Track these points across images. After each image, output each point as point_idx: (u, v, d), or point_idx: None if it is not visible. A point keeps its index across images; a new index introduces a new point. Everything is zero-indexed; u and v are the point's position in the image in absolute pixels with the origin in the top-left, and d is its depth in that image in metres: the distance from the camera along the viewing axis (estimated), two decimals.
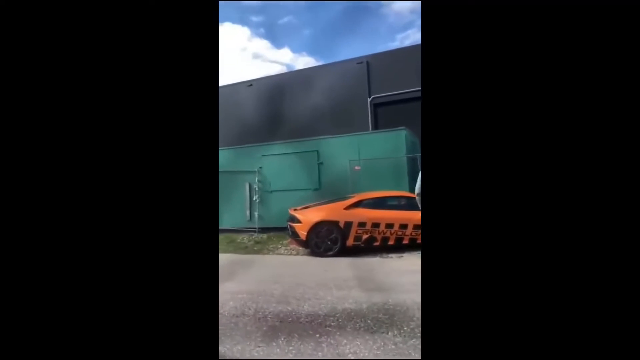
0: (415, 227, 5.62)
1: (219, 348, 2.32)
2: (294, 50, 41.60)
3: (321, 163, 7.98)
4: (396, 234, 5.66)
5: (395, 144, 7.40)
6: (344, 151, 7.73)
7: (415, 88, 13.37)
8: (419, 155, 7.32)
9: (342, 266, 4.86)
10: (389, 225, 5.66)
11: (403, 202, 6.07)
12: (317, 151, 8.00)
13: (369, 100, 14.42)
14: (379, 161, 7.39)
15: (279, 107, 14.70)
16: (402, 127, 7.47)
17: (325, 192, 7.82)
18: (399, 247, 5.69)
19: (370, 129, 13.55)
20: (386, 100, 14.15)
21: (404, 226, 5.65)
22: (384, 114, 14.14)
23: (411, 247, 5.67)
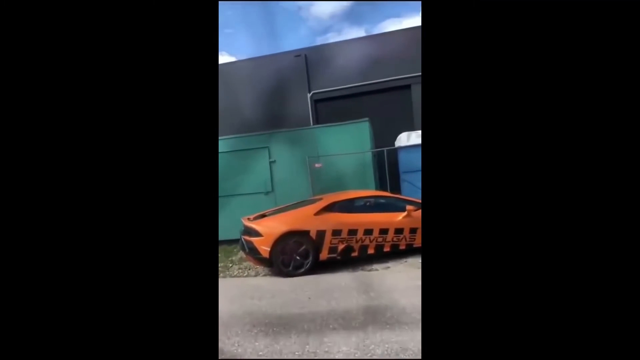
0: (397, 231, 4.79)
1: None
2: None
3: (273, 161, 6.80)
4: (376, 241, 4.75)
5: (358, 138, 6.54)
6: (300, 147, 6.65)
7: (357, 83, 12.84)
8: (386, 149, 6.58)
9: (330, 289, 3.79)
10: (368, 232, 4.70)
11: (380, 202, 5.19)
12: (268, 147, 6.80)
13: (308, 95, 13.52)
14: (342, 157, 6.47)
15: None
16: (365, 119, 6.65)
17: (279, 195, 6.66)
18: (379, 256, 4.80)
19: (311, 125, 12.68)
20: (327, 97, 13.41)
21: (384, 231, 4.76)
22: (326, 110, 13.38)
23: (394, 254, 4.83)
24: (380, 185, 6.95)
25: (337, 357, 2.29)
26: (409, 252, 4.86)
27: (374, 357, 2.24)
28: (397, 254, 4.84)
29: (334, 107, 13.08)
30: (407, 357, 2.14)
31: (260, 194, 6.77)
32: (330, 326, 2.75)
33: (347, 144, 6.53)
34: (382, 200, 5.23)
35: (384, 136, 8.42)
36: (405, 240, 4.81)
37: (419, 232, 4.82)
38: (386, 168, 6.64)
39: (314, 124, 12.65)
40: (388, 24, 33.76)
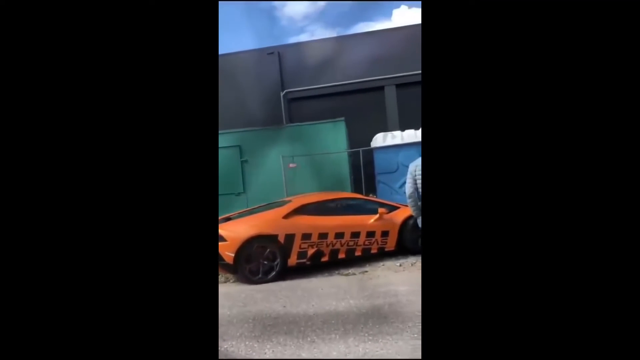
0: (369, 234, 4.61)
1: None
2: None
3: (245, 161, 6.50)
4: (347, 245, 4.54)
5: (334, 137, 6.39)
6: (274, 146, 6.40)
7: (332, 83, 12.72)
8: (361, 150, 6.46)
9: (307, 297, 3.57)
10: (339, 235, 4.48)
11: (351, 205, 4.98)
12: (240, 146, 6.50)
13: (282, 94, 13.25)
14: (317, 157, 6.28)
15: None
16: (341, 118, 6.50)
17: (251, 196, 6.38)
18: (350, 260, 4.59)
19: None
20: (301, 96, 13.20)
21: (355, 234, 4.55)
22: (299, 110, 13.17)
23: (365, 259, 4.65)
24: (356, 186, 6.83)
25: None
26: (384, 255, 4.73)
27: (373, 358, 2.16)
28: (369, 258, 4.66)
29: (307, 107, 12.87)
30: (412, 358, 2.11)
31: (231, 195, 6.45)
32: (309, 339, 2.54)
33: (323, 143, 6.36)
34: (353, 203, 5.05)
35: (357, 137, 8.33)
36: (377, 243, 4.65)
37: (391, 235, 4.69)
38: (362, 169, 6.51)
39: (286, 124, 12.40)
40: (360, 27, 34.03)
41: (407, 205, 4.97)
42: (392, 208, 4.91)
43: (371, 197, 5.37)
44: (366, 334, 2.52)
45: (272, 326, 2.82)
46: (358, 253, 4.60)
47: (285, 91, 13.23)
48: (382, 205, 4.90)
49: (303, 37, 34.77)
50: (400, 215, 4.77)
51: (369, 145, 7.16)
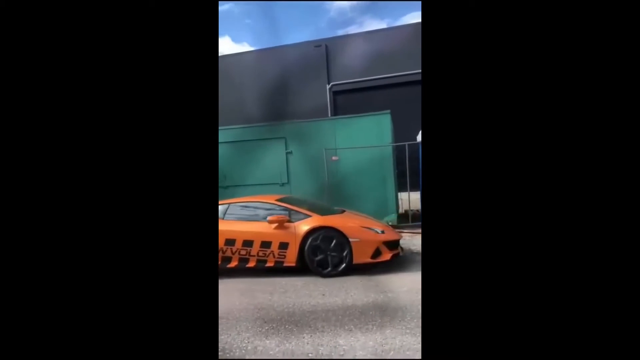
0: (263, 244, 4.13)
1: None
2: (235, 40, 39.13)
3: (290, 152, 6.64)
4: (239, 254, 4.22)
5: (378, 130, 6.32)
6: (318, 138, 6.47)
7: (378, 75, 12.55)
8: (407, 144, 6.33)
9: (345, 287, 3.62)
10: (229, 242, 4.22)
11: (256, 210, 4.52)
12: (285, 138, 6.65)
13: (327, 87, 13.30)
14: (360, 150, 6.26)
15: (228, 89, 12.89)
16: (387, 111, 6.41)
17: (295, 187, 6.52)
18: (242, 271, 4.26)
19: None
20: (347, 88, 13.16)
21: (248, 243, 4.18)
22: (344, 102, 13.15)
23: (281, 270, 4.19)
24: (400, 181, 6.72)
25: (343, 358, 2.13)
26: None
27: (378, 358, 2.15)
28: (288, 271, 4.20)
29: (352, 100, 12.83)
30: (412, 358, 2.12)
31: (276, 184, 6.64)
32: (346, 327, 2.59)
33: (367, 136, 6.32)
34: (260, 206, 4.53)
35: (403, 131, 8.17)
36: (274, 256, 4.14)
37: (291, 248, 4.09)
38: (407, 163, 6.40)
39: (331, 116, 12.43)
40: (409, 18, 33.01)
41: (325, 215, 4.40)
42: (304, 216, 4.27)
43: (284, 204, 4.50)
44: (404, 327, 2.52)
45: (311, 312, 2.90)
46: (251, 264, 4.20)
47: (331, 84, 13.26)
48: (290, 211, 4.30)
49: (351, 29, 34.45)
50: (304, 226, 4.11)
51: (415, 139, 7.01)
